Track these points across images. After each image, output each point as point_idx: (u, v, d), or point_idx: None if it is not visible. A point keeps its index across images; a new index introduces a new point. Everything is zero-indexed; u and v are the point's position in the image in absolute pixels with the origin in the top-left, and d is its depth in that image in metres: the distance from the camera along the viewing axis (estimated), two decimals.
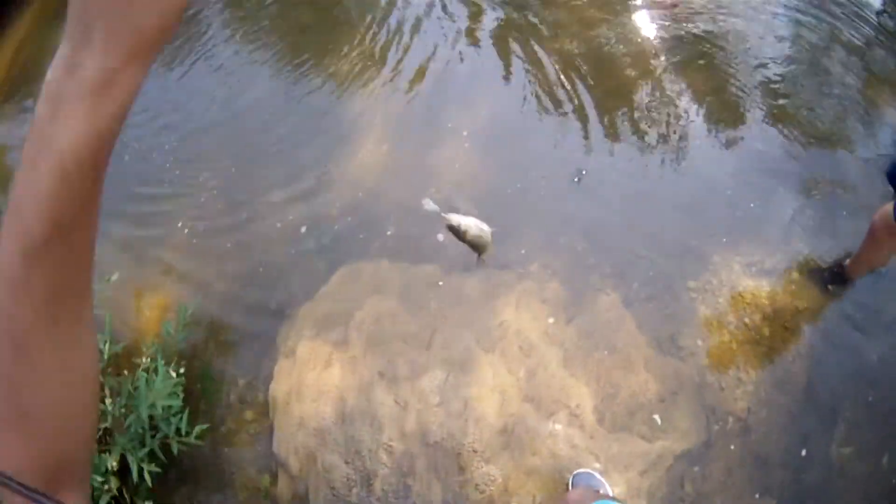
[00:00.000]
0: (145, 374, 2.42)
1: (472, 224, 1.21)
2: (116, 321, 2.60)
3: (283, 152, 2.92)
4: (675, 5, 3.45)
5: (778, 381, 2.70)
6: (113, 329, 2.57)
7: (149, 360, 2.54)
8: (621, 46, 3.46)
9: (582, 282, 2.56)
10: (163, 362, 2.48)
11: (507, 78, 3.27)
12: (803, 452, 2.56)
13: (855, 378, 2.75)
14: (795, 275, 2.83)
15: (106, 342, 2.46)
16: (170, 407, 2.35)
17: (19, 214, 0.42)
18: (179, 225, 2.76)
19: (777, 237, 2.86)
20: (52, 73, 0.41)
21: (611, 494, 2.21)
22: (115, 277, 2.59)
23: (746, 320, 2.71)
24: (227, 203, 2.79)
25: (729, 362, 2.64)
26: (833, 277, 2.85)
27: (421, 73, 3.22)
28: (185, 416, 2.34)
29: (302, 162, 2.87)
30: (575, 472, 2.27)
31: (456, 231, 1.21)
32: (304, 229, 2.70)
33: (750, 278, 2.75)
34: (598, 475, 2.28)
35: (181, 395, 2.40)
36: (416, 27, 3.48)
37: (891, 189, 2.37)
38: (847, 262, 2.81)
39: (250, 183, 2.85)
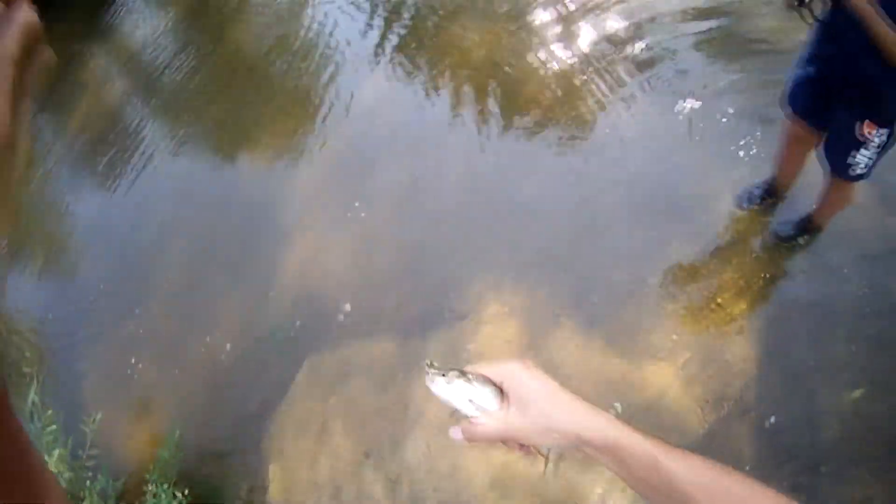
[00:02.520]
0: (154, 500, 2.51)
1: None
2: (113, 458, 2.69)
3: (228, 259, 2.96)
4: None
5: (767, 350, 2.64)
6: (111, 466, 2.66)
7: (153, 486, 2.63)
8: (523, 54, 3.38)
9: (541, 313, 2.54)
10: (165, 486, 2.57)
11: (416, 119, 3.25)
12: (813, 410, 2.50)
13: (847, 320, 2.66)
14: (757, 239, 2.75)
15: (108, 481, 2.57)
16: None
17: None
18: (133, 361, 2.84)
19: (726, 207, 2.78)
20: None
21: None
22: (99, 417, 2.67)
23: (718, 300, 2.65)
24: (181, 324, 2.84)
25: (710, 348, 2.60)
26: (800, 230, 2.76)
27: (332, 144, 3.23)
28: None
29: (245, 266, 2.91)
30: None
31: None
32: (264, 332, 2.74)
33: (711, 257, 2.68)
34: None
35: None
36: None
37: None
38: (813, 211, 2.72)
39: (202, 298, 2.89)
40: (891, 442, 2.41)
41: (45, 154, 3.93)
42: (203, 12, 4.01)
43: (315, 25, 3.76)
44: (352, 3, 3.82)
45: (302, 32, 3.72)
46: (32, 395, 2.67)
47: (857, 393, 2.50)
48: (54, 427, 2.44)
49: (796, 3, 2.01)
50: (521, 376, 0.62)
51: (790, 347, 2.62)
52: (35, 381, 2.58)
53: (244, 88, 3.47)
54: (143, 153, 3.51)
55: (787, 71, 2.40)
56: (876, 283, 2.70)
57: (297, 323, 2.71)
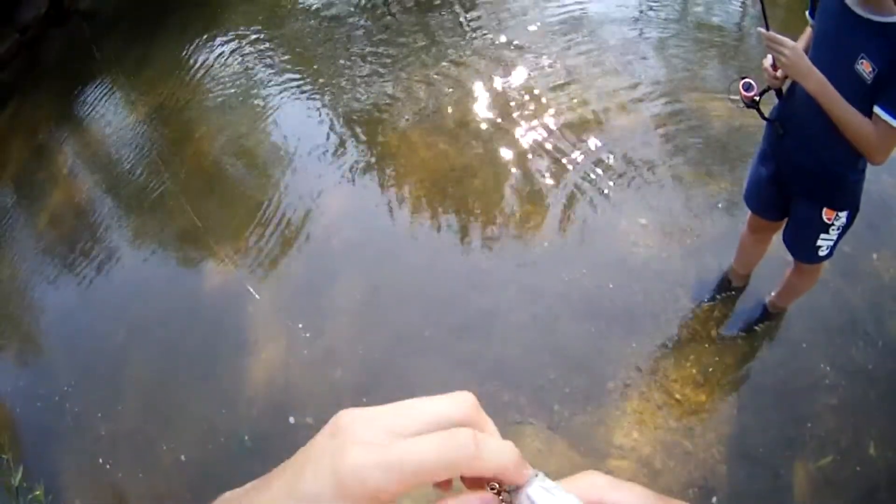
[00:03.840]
0: None
1: None
2: None
3: (193, 370, 3.00)
4: None
5: (730, 436, 2.69)
6: None
7: None
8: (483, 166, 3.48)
9: (502, 421, 2.57)
10: None
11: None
12: (778, 485, 2.54)
13: (808, 396, 2.72)
14: (715, 332, 2.81)
15: None
16: None
17: None
18: (100, 460, 2.86)
19: (683, 304, 2.85)
20: None
21: None
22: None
23: (678, 396, 2.70)
24: (145, 430, 2.87)
25: (672, 441, 2.64)
26: (760, 317, 2.82)
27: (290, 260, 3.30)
28: None
29: (209, 379, 2.95)
30: None
31: None
32: (222, 443, 2.77)
33: (669, 354, 2.74)
34: None
35: None
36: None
37: None
38: (769, 298, 2.77)
39: (166, 406, 2.93)
40: (860, 499, 2.45)
41: (15, 246, 3.96)
42: (167, 111, 4.07)
43: (276, 137, 3.87)
44: (313, 115, 3.95)
45: (264, 144, 3.81)
46: (20, 476, 2.71)
47: (825, 461, 2.55)
48: None
49: (747, 105, 2.04)
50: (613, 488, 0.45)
51: (752, 430, 2.67)
52: (11, 463, 2.59)
53: (206, 198, 3.54)
54: (113, 255, 3.55)
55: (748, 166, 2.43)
56: (835, 354, 2.77)
57: (246, 438, 2.75)
